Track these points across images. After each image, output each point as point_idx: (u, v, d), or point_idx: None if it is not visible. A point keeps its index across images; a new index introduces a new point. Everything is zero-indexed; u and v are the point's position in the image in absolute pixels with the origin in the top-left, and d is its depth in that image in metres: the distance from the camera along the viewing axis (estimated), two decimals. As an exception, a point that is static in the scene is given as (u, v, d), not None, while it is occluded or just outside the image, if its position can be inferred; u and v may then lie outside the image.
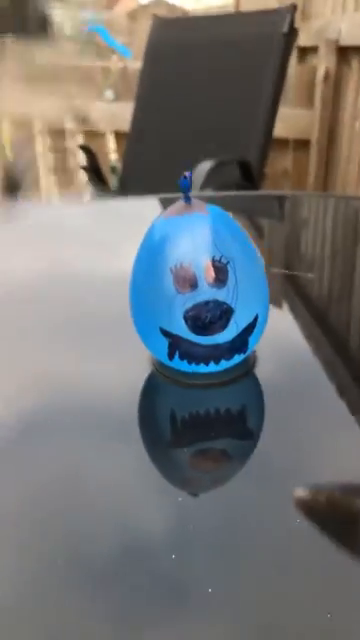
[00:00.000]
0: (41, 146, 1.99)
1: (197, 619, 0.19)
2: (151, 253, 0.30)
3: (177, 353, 0.30)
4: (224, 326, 0.29)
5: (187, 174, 0.29)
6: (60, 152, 1.95)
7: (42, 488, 0.25)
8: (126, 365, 0.35)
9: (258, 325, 0.30)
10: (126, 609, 0.19)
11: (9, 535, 0.23)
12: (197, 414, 0.30)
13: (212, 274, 0.28)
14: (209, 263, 0.28)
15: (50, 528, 0.23)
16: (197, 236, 0.29)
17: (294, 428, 0.29)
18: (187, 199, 0.29)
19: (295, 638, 0.19)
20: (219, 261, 0.29)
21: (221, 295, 0.29)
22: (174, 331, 0.29)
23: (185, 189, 0.29)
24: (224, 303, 0.29)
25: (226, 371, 0.31)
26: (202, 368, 0.30)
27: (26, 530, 0.23)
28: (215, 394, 0.31)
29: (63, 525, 0.23)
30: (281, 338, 0.37)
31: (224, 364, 0.30)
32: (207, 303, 0.28)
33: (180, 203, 0.30)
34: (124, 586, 0.20)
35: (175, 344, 0.29)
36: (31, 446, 0.28)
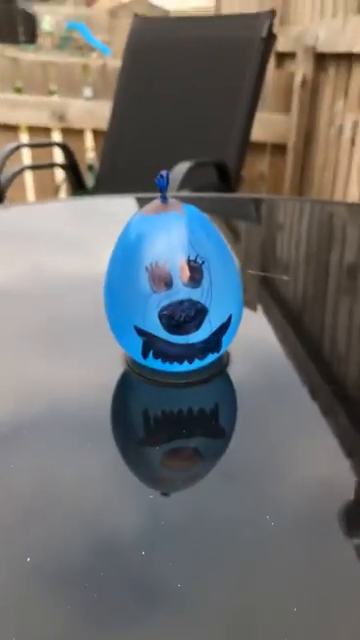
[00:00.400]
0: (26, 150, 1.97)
1: (167, 615, 0.20)
2: (127, 251, 0.30)
3: (151, 352, 0.30)
4: (198, 325, 0.29)
5: (164, 173, 0.29)
6: (38, 149, 1.92)
7: (14, 487, 0.25)
8: (100, 363, 0.34)
9: (232, 325, 0.31)
10: (96, 606, 0.19)
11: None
12: (170, 413, 0.30)
13: (187, 273, 0.29)
14: (184, 262, 0.29)
15: (21, 527, 0.23)
16: (173, 235, 0.29)
17: (266, 427, 0.29)
18: (164, 198, 0.30)
19: (263, 633, 0.19)
20: (194, 261, 0.29)
21: (196, 295, 0.29)
22: (149, 330, 0.29)
23: (162, 188, 0.29)
24: (198, 302, 0.29)
25: (200, 370, 0.31)
26: (176, 367, 0.30)
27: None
28: (188, 393, 0.31)
29: (34, 523, 0.23)
30: (254, 339, 0.38)
31: (198, 363, 0.30)
32: (182, 302, 0.29)
33: (157, 202, 0.30)
34: (94, 583, 0.20)
35: (149, 343, 0.29)
36: (3, 446, 0.28)
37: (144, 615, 0.19)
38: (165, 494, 0.25)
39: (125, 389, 0.32)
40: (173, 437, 0.29)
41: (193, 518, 0.23)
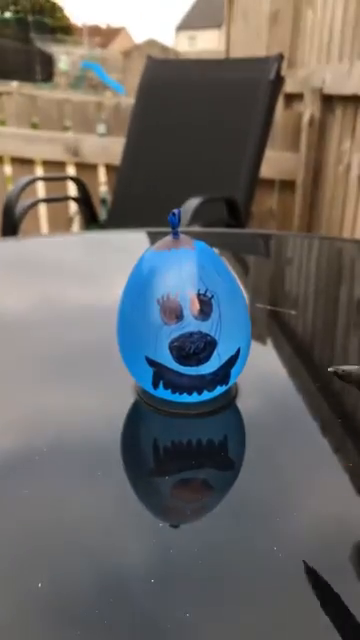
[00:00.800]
0: (41, 184, 2.02)
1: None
2: (139, 285, 0.31)
3: (161, 382, 0.30)
4: (207, 357, 0.30)
5: (176, 211, 0.30)
6: (52, 182, 1.97)
7: (25, 515, 0.25)
8: (111, 393, 0.35)
9: (240, 358, 0.31)
10: (106, 632, 0.20)
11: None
12: (179, 443, 0.31)
13: (197, 306, 0.29)
14: (194, 296, 0.30)
15: (30, 556, 0.23)
16: (184, 270, 0.30)
17: (274, 460, 0.29)
18: (175, 234, 0.31)
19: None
20: (204, 294, 0.30)
21: (205, 327, 0.30)
22: (159, 360, 0.30)
23: (174, 225, 0.30)
24: (208, 335, 0.30)
25: (209, 402, 0.31)
26: (185, 398, 0.31)
27: (6, 562, 0.23)
28: (197, 424, 0.32)
29: (43, 551, 0.23)
30: (263, 372, 0.38)
31: (207, 395, 0.31)
32: (191, 334, 0.29)
33: (169, 238, 0.31)
34: (104, 609, 0.20)
35: (160, 373, 0.30)
36: (14, 474, 0.28)
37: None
38: (175, 526, 0.25)
39: (135, 419, 0.33)
40: (182, 468, 0.29)
41: (201, 548, 0.23)
